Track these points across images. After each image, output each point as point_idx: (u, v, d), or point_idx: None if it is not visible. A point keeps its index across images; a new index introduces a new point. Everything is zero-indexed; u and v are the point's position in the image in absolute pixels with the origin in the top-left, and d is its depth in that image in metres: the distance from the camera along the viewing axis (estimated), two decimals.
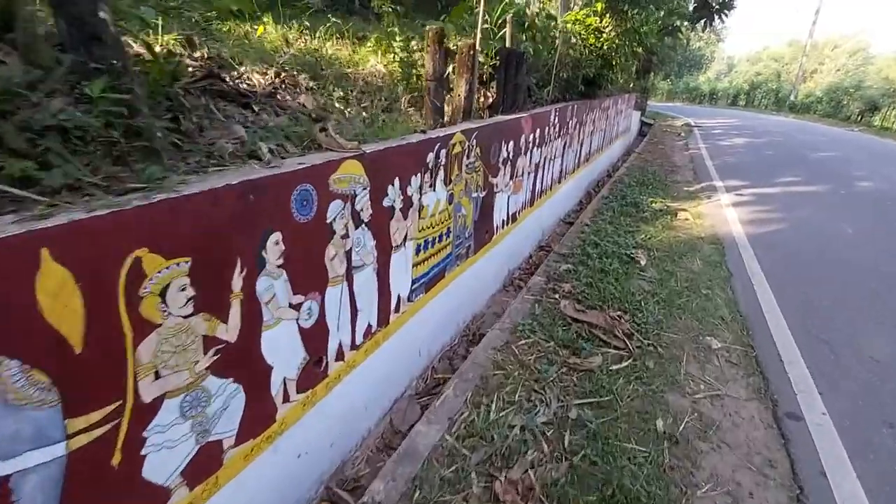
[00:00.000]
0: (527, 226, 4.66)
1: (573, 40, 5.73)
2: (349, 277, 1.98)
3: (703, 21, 16.12)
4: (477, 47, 3.10)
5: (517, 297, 3.56)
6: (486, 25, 3.77)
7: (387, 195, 2.14)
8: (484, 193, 3.34)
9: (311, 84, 3.09)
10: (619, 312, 3.17)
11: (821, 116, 24.87)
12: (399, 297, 2.44)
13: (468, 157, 2.91)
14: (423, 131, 2.53)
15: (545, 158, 4.91)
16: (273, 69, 2.93)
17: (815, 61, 41.35)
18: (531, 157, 4.39)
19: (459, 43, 3.00)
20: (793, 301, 3.79)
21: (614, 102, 8.97)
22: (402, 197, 2.25)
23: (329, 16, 4.33)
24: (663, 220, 5.37)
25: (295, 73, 3.07)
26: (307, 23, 4.04)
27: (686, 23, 18.47)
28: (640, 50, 11.94)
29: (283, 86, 2.93)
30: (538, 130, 4.43)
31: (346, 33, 4.47)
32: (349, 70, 3.86)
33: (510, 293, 4.14)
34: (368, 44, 4.41)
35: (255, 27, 3.59)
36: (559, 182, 5.77)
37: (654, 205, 5.97)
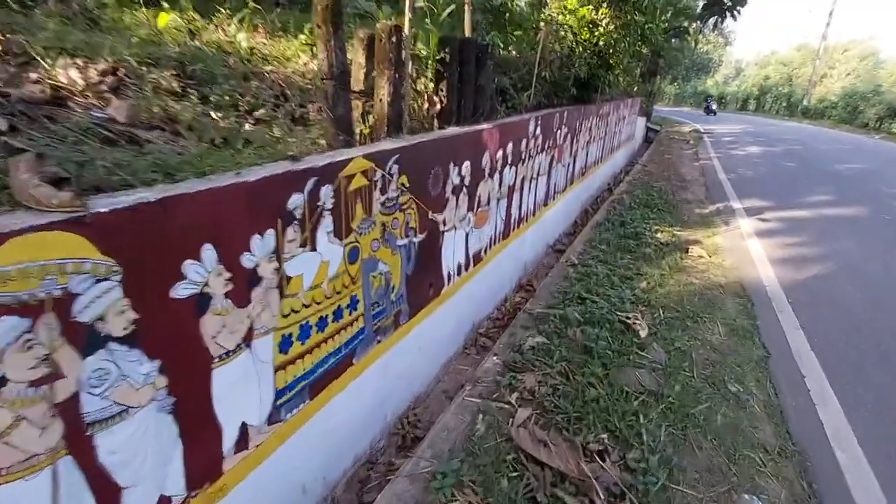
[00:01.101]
0: (499, 264, 3.72)
1: (562, 34, 4.79)
2: (77, 448, 1.05)
3: (713, 20, 15.22)
4: (405, 32, 2.17)
5: (450, 407, 2.43)
6: (422, 3, 2.85)
7: (185, 278, 1.20)
8: (422, 237, 2.40)
9: (174, 85, 2.19)
10: (602, 442, 2.04)
11: (836, 122, 23.72)
12: (242, 431, 1.50)
13: (384, 192, 1.97)
14: (295, 157, 1.60)
15: (524, 179, 3.97)
16: (102, 65, 2.02)
17: (824, 65, 40.16)
18: (501, 180, 3.45)
19: (379, 26, 2.07)
20: (867, 408, 2.56)
21: (615, 108, 8.01)
22: (225, 275, 1.32)
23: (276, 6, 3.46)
24: (671, 257, 4.36)
25: (150, 69, 2.18)
26: (229, 12, 3.18)
27: (695, 24, 17.58)
28: (644, 50, 11.01)
29: (121, 87, 2.03)
30: (511, 145, 3.50)
31: (276, 24, 3.61)
32: (269, 68, 2.98)
33: (471, 357, 3.19)
34: (302, 36, 3.54)
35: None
36: (545, 204, 4.82)
37: (658, 235, 5.02)
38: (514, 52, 4.78)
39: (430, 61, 2.76)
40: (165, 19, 2.75)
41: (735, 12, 12.68)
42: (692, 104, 42.98)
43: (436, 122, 2.76)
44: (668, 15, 14.64)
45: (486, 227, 3.32)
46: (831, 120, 24.38)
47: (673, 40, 17.00)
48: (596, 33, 5.15)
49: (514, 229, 3.95)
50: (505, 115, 3.76)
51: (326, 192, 1.64)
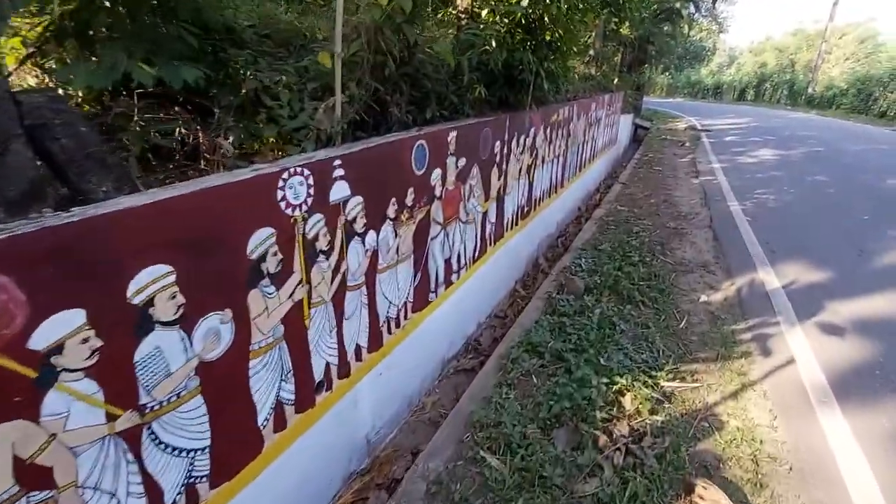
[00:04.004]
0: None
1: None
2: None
3: None
4: None
5: None
6: None
7: None
8: None
9: None
10: None
11: (848, 112, 21.30)
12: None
13: None
14: None
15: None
16: None
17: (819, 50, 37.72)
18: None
19: None
20: None
21: (582, 110, 5.62)
22: None
23: None
24: None
25: None
26: None
27: (689, 5, 15.15)
28: (625, 30, 8.55)
29: None
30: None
31: None
32: None
33: None
34: None
35: None
36: (419, 309, 2.46)
37: (627, 401, 2.43)
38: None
39: None
40: None
41: None
42: (686, 95, 40.57)
43: None
44: None
45: None
46: (842, 109, 21.96)
47: (664, 26, 14.60)
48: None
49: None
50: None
51: None
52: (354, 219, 1.84)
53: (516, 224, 4.01)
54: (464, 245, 3.01)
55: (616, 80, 8.19)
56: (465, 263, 3.09)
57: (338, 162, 1.69)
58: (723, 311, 3.44)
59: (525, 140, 3.80)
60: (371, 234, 1.97)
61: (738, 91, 34.64)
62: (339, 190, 1.72)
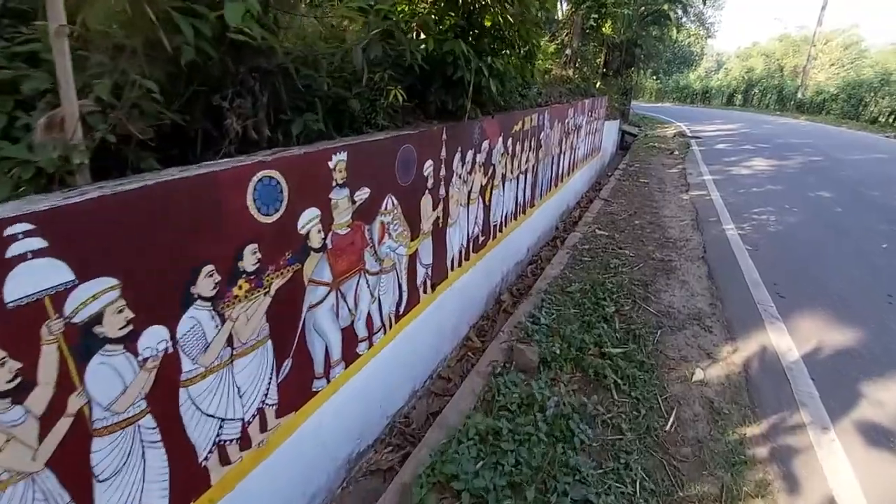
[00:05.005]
0: None
1: None
2: None
3: None
4: None
5: None
6: None
7: None
8: None
9: None
10: None
11: (839, 118, 20.88)
12: None
13: None
14: None
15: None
16: None
17: (805, 56, 37.68)
18: None
19: None
20: None
21: (558, 116, 4.88)
22: None
23: None
24: None
25: None
26: None
27: (677, 6, 14.56)
28: (607, 29, 7.83)
29: None
30: None
31: None
32: None
33: None
34: None
35: None
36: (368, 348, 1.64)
37: None
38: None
39: None
40: None
41: None
42: (675, 99, 40.31)
43: None
44: None
45: None
46: (832, 115, 21.55)
47: (652, 29, 14.01)
48: None
49: None
50: None
51: None
52: (97, 319, 1.04)
53: (467, 259, 3.24)
54: (377, 302, 2.22)
55: (598, 84, 7.47)
56: (384, 325, 2.31)
57: (28, 226, 0.90)
58: (725, 400, 2.59)
59: (475, 156, 3.03)
60: (153, 334, 1.18)
61: (727, 96, 34.40)
62: (41, 276, 0.93)
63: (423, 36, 2.30)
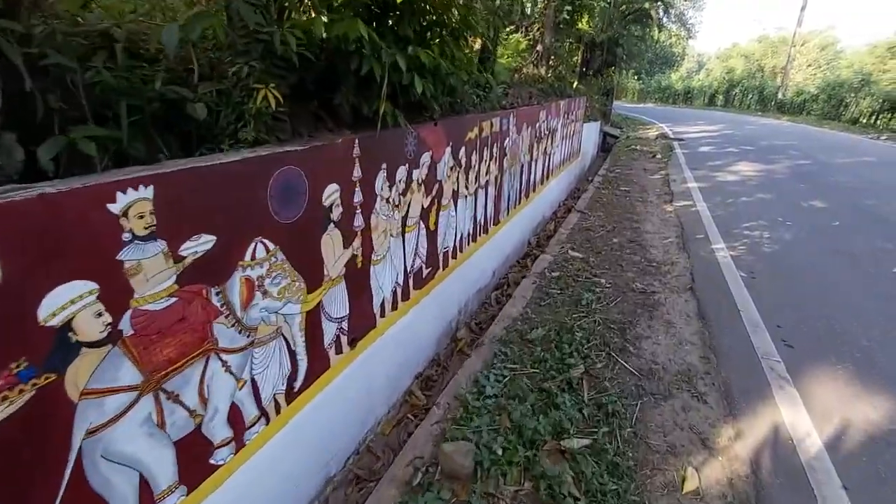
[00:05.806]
0: None
1: None
2: None
3: None
4: None
5: None
6: None
7: None
8: None
9: None
10: None
11: (819, 118, 20.78)
12: None
13: None
14: None
15: None
16: None
17: (784, 57, 38.03)
18: None
19: None
20: None
21: (527, 119, 4.29)
22: None
23: None
24: None
25: None
26: None
27: (658, 5, 14.15)
28: (583, 24, 7.27)
29: None
30: None
31: None
32: None
33: None
34: None
35: None
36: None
37: None
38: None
39: None
40: None
41: None
42: (657, 100, 40.29)
43: None
44: None
45: None
46: (813, 116, 21.47)
47: (634, 28, 13.58)
48: None
49: None
50: None
51: None
52: None
53: (406, 299, 2.61)
54: (250, 385, 1.59)
55: (576, 84, 6.92)
56: (264, 413, 1.67)
57: None
58: None
59: (410, 172, 2.41)
60: None
61: (709, 96, 34.43)
62: None
63: (313, 15, 1.68)
